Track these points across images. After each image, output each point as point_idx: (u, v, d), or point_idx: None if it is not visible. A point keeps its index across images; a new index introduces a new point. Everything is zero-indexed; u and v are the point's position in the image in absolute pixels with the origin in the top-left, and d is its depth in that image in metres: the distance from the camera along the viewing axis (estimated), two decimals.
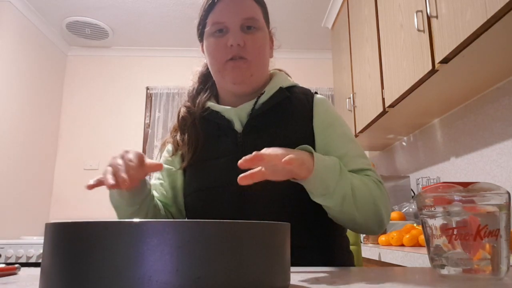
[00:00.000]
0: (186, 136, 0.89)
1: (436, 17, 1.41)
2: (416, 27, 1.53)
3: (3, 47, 2.78)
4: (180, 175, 0.91)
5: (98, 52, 3.65)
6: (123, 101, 3.58)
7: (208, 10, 0.86)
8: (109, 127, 3.52)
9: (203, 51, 0.92)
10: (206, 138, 0.88)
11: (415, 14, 1.54)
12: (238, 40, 0.82)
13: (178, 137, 0.92)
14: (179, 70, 3.57)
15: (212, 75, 0.91)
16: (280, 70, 0.98)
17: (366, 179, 0.77)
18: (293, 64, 3.46)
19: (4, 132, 2.78)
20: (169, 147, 0.95)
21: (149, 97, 3.62)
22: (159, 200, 0.91)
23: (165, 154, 0.96)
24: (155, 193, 0.91)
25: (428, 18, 1.47)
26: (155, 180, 0.94)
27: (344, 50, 2.68)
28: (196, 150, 0.87)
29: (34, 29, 3.12)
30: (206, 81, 0.97)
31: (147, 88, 3.62)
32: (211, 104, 0.90)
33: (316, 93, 0.94)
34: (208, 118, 0.89)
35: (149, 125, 3.56)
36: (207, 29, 0.87)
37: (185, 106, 0.93)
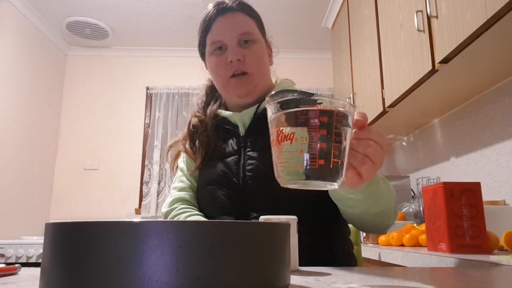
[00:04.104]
0: (197, 142, 0.96)
1: (436, 17, 1.41)
2: (416, 27, 1.53)
3: (3, 47, 2.78)
4: (196, 175, 0.98)
5: (98, 52, 3.65)
6: (123, 101, 3.58)
7: (205, 31, 0.93)
8: (109, 127, 3.52)
9: (207, 69, 0.99)
10: (216, 142, 0.95)
11: (415, 14, 1.54)
12: (237, 55, 0.88)
13: (187, 145, 0.98)
14: (179, 70, 3.57)
15: (218, 90, 0.98)
16: (286, 79, 1.03)
17: None
18: (293, 64, 3.47)
19: (4, 132, 2.78)
20: (183, 155, 1.02)
21: (149, 97, 3.62)
22: (191, 200, 0.96)
23: (181, 165, 1.01)
24: (186, 195, 0.95)
25: (428, 18, 1.47)
26: (178, 183, 0.99)
27: (344, 50, 2.68)
28: (207, 153, 0.94)
29: (34, 29, 3.12)
30: (213, 92, 1.03)
31: (147, 88, 3.62)
32: (220, 111, 0.97)
33: None
34: (218, 124, 0.96)
35: (149, 125, 3.55)
36: (207, 49, 0.93)
37: (195, 116, 1.00)
